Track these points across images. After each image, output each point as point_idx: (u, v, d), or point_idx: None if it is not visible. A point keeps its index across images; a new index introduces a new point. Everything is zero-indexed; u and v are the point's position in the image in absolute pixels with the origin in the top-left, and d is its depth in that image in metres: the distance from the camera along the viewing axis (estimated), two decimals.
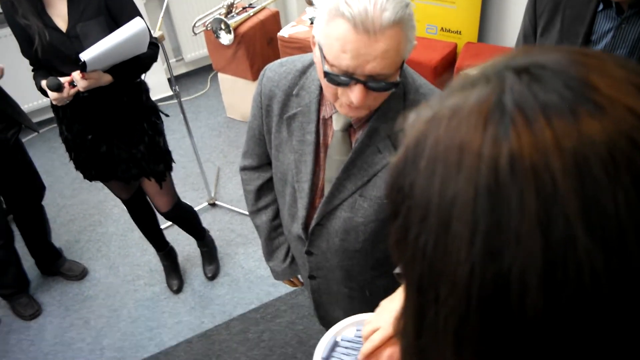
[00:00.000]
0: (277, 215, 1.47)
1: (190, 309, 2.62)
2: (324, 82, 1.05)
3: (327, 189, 1.23)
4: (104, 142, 2.09)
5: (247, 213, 3.05)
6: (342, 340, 1.11)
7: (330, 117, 1.19)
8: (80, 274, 2.80)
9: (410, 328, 0.46)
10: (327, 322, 1.61)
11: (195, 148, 2.97)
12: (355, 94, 1.00)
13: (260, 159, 1.41)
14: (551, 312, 0.35)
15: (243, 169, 1.46)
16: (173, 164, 2.33)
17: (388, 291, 1.28)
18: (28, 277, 2.70)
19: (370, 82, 1.00)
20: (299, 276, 1.61)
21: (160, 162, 2.23)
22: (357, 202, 1.20)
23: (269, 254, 1.54)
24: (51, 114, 2.27)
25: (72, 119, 2.04)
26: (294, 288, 2.63)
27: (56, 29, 1.86)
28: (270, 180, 1.43)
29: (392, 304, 1.00)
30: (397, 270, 0.99)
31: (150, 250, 2.88)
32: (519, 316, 0.36)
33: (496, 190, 0.36)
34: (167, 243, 2.69)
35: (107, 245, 3.00)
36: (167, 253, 2.70)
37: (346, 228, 1.24)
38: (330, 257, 1.32)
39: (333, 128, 1.19)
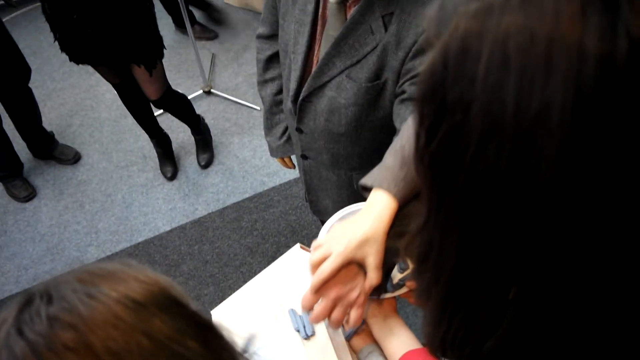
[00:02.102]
0: (281, 90, 1.45)
1: (184, 196, 2.62)
2: None
3: (316, 66, 1.19)
4: (90, 23, 1.95)
5: (243, 102, 2.97)
6: None
7: None
8: (73, 157, 2.77)
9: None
10: (318, 210, 1.62)
11: (190, 33, 2.81)
12: None
13: (272, 28, 1.37)
14: None
15: (258, 36, 1.43)
16: (165, 51, 2.21)
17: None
18: (21, 160, 2.67)
19: None
20: (293, 158, 1.61)
21: (150, 48, 2.11)
22: (343, 82, 1.16)
23: (268, 128, 1.54)
24: None
25: None
26: (288, 179, 2.63)
27: None
28: (278, 55, 1.40)
29: (348, 226, 0.80)
30: (365, 181, 0.85)
31: (144, 136, 2.83)
32: None
33: (609, 95, 0.29)
34: (160, 130, 2.63)
35: (100, 130, 2.94)
36: (160, 140, 2.65)
37: (331, 108, 1.21)
38: (318, 137, 1.30)
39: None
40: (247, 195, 2.59)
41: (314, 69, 1.20)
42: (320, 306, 0.81)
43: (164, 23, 3.27)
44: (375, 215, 0.78)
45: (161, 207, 2.59)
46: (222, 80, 3.12)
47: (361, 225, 0.78)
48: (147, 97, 2.32)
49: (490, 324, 0.41)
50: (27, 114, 2.60)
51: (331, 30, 1.14)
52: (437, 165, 0.39)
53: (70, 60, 2.14)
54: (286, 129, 1.51)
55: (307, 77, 1.23)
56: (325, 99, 1.21)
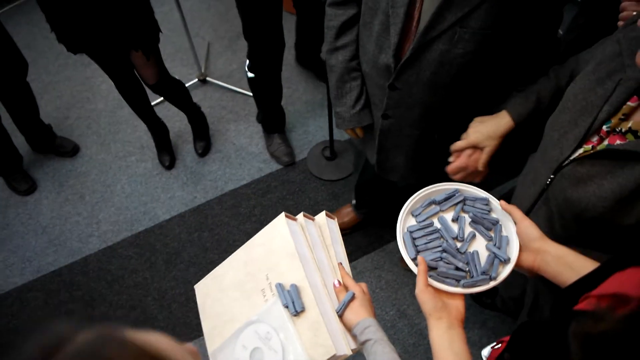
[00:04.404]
0: (353, 57, 1.45)
1: (183, 184, 2.65)
2: None
3: (424, 20, 1.18)
4: (87, 10, 1.96)
5: (238, 89, 2.97)
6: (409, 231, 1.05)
7: None
8: (71, 150, 2.80)
9: None
10: (385, 168, 1.64)
11: (184, 21, 2.81)
12: None
13: None
14: None
15: (330, 4, 1.42)
16: (161, 35, 2.22)
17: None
18: (20, 153, 2.69)
19: None
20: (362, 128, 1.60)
21: (147, 32, 2.12)
22: (458, 33, 1.16)
23: (337, 97, 1.52)
24: None
25: None
26: (283, 165, 2.64)
27: None
28: (353, 19, 1.40)
29: (482, 127, 1.30)
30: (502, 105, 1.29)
31: (141, 126, 2.85)
32: None
33: None
34: (157, 119, 2.64)
35: (97, 122, 2.96)
36: (157, 129, 2.66)
37: (442, 60, 1.22)
38: (416, 91, 1.32)
39: None
40: (244, 182, 2.61)
41: (417, 23, 1.21)
42: (457, 160, 1.33)
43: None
44: (500, 124, 1.29)
45: (160, 196, 2.62)
46: (217, 68, 3.13)
47: (488, 128, 1.29)
48: (146, 83, 2.33)
49: None
50: (25, 108, 2.61)
51: None
52: None
53: (68, 50, 2.14)
54: (359, 96, 1.49)
55: (408, 31, 1.23)
56: (435, 53, 1.21)
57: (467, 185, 1.08)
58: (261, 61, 2.29)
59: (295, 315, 0.95)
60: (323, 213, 1.14)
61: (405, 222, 1.05)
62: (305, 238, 1.06)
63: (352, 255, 2.34)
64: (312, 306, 0.95)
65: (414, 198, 1.07)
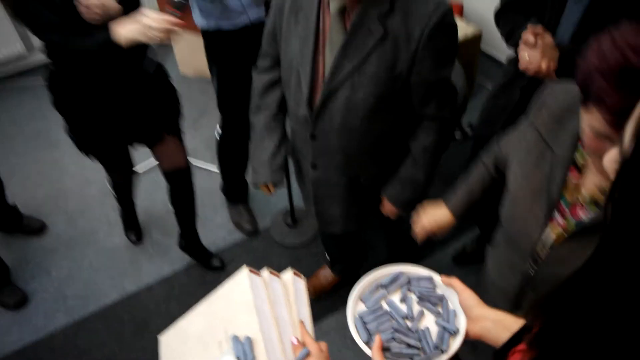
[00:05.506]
0: (274, 117, 1.64)
1: (150, 257, 2.74)
2: None
3: (327, 72, 1.39)
4: (124, 107, 1.97)
5: (201, 165, 3.14)
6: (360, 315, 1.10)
7: (328, 2, 1.35)
8: (38, 228, 2.86)
9: None
10: (326, 222, 1.80)
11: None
12: None
13: (272, 59, 1.58)
14: None
15: (257, 70, 1.64)
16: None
17: (379, 180, 1.56)
18: (6, 264, 2.63)
19: None
20: (275, 185, 1.74)
21: (177, 112, 2.17)
22: (356, 79, 1.36)
23: (255, 154, 1.69)
24: None
25: (85, 82, 1.89)
26: (247, 234, 2.77)
27: None
28: (275, 82, 1.60)
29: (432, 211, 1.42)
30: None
31: (109, 203, 2.96)
32: None
33: None
34: (133, 202, 2.73)
35: (65, 200, 3.05)
36: (129, 210, 2.76)
37: (348, 106, 1.41)
38: (332, 138, 1.49)
39: (330, 12, 1.35)
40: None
41: (323, 75, 1.41)
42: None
43: None
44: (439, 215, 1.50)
45: (127, 269, 2.69)
46: None
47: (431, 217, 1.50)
48: (174, 170, 2.30)
49: None
50: None
51: (334, 38, 1.36)
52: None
53: (81, 149, 2.10)
54: (275, 154, 1.65)
55: (315, 84, 1.44)
56: (341, 99, 1.40)
57: (409, 265, 1.15)
58: (233, 130, 2.50)
59: None
60: (290, 271, 1.17)
61: (355, 308, 1.09)
62: (267, 293, 1.08)
63: (318, 315, 2.45)
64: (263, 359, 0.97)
65: (360, 284, 1.12)
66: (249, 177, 1.74)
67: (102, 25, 1.69)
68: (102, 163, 2.24)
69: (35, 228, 2.86)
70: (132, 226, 2.81)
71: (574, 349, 0.48)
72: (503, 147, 1.34)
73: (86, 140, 2.08)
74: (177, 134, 2.22)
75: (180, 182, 2.38)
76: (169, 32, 1.61)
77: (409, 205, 1.66)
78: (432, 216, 1.50)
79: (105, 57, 1.79)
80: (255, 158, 1.70)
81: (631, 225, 0.41)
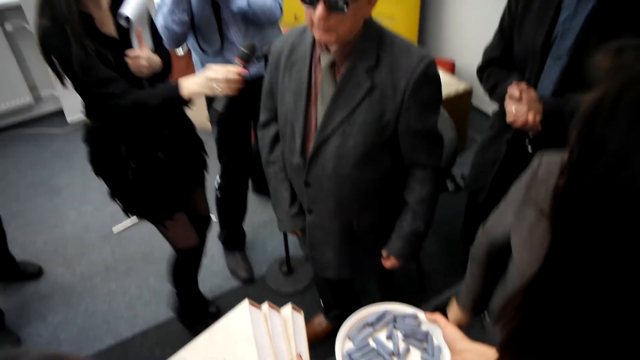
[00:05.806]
0: (283, 168, 1.72)
1: (146, 303, 2.75)
2: (304, 10, 1.31)
3: (319, 122, 1.48)
4: (175, 160, 1.97)
5: None
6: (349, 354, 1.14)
7: (319, 58, 1.46)
8: (35, 273, 2.89)
9: None
10: (320, 267, 1.85)
11: None
12: (318, 11, 1.26)
13: (271, 113, 1.68)
14: None
15: (260, 125, 1.74)
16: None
17: (371, 227, 1.61)
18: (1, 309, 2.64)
19: (330, 1, 1.24)
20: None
21: (204, 165, 2.22)
22: (346, 129, 1.45)
23: (275, 205, 1.78)
24: None
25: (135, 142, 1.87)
26: (242, 282, 2.81)
27: (114, 39, 1.73)
28: (278, 135, 1.69)
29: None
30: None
31: (107, 249, 3.00)
32: None
33: None
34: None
35: (64, 246, 3.09)
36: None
37: (339, 154, 1.48)
38: (325, 184, 1.56)
39: (322, 66, 1.45)
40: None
41: (315, 127, 1.49)
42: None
43: None
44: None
45: (123, 314, 2.70)
46: None
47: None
48: (202, 219, 2.33)
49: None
50: None
51: (325, 90, 1.46)
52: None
53: (132, 214, 2.02)
54: (292, 202, 1.73)
55: (308, 134, 1.52)
56: (332, 148, 1.48)
57: (394, 303, 1.19)
58: (232, 180, 2.58)
59: None
60: (289, 305, 1.20)
61: (343, 346, 1.14)
62: (266, 326, 1.13)
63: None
64: None
65: (348, 323, 1.16)
66: (278, 225, 1.82)
67: (152, 79, 1.78)
68: (166, 226, 2.08)
69: (32, 273, 2.89)
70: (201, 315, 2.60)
71: (547, 344, 0.53)
72: (489, 233, 1.32)
73: (137, 200, 1.98)
74: (203, 185, 2.26)
75: (206, 228, 2.39)
76: (233, 83, 1.66)
77: (411, 257, 1.74)
78: (452, 319, 1.51)
79: (167, 111, 1.80)
80: (277, 208, 1.79)
81: (578, 230, 0.47)
